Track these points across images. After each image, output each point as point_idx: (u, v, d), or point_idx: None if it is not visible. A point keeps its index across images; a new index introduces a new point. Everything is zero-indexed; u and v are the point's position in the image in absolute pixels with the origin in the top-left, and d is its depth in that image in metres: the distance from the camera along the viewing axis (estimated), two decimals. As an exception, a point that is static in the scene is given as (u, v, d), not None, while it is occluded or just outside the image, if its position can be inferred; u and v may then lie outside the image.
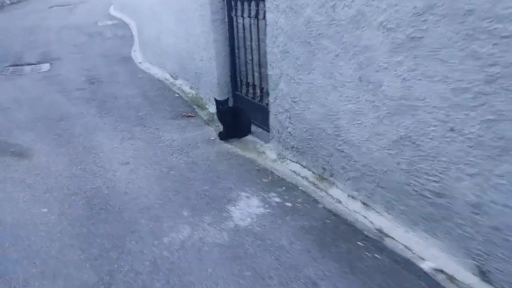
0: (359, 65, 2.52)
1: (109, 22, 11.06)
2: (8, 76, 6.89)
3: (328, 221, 2.72)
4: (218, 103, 4.07)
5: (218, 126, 4.42)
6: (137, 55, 7.84)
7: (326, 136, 2.96)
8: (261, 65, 4.08)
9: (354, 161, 2.74)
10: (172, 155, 3.86)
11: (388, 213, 2.56)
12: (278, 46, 3.27)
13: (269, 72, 3.49)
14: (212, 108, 4.87)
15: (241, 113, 4.12)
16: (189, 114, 4.92)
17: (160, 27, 6.32)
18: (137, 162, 3.72)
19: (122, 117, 4.89)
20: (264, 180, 3.29)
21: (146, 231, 2.70)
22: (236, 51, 4.56)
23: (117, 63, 7.49)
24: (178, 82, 5.99)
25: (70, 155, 3.89)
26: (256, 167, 3.52)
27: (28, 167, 3.67)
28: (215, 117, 4.62)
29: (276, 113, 3.52)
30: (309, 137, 3.16)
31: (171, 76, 6.26)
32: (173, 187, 3.25)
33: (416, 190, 2.33)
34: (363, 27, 2.42)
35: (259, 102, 4.20)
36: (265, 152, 3.74)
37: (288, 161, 3.48)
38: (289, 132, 3.39)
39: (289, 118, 3.35)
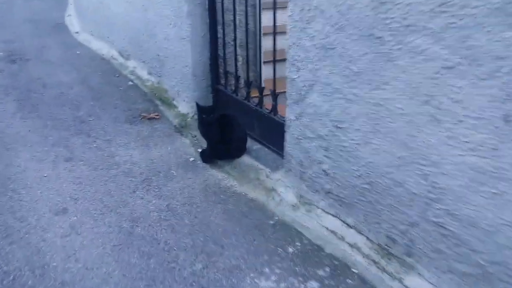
0: (508, 95, 1.35)
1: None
2: None
3: None
4: (201, 110, 2.76)
5: (196, 137, 3.16)
6: (72, 22, 6.17)
7: (406, 193, 1.80)
8: (262, 54, 2.82)
9: (469, 249, 1.61)
10: (134, 192, 2.56)
11: None
12: (313, 37, 2.01)
13: (291, 74, 2.24)
14: (183, 107, 3.56)
15: (234, 124, 2.84)
16: (152, 116, 3.57)
17: (103, -13, 4.76)
18: (81, 208, 2.39)
19: (55, 119, 3.45)
20: (290, 249, 2.10)
21: None
22: (220, 29, 3.22)
23: (47, 33, 5.83)
24: (131, 64, 4.53)
25: (-30, 197, 2.48)
26: (270, 220, 2.31)
27: None
28: (189, 121, 3.35)
29: (300, 137, 2.30)
30: (365, 185, 1.98)
31: (121, 54, 4.77)
32: (143, 268, 1.98)
33: None
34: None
35: (256, 106, 2.94)
36: (276, 189, 2.53)
37: (319, 211, 2.30)
38: (324, 170, 2.19)
39: (325, 150, 2.15)
